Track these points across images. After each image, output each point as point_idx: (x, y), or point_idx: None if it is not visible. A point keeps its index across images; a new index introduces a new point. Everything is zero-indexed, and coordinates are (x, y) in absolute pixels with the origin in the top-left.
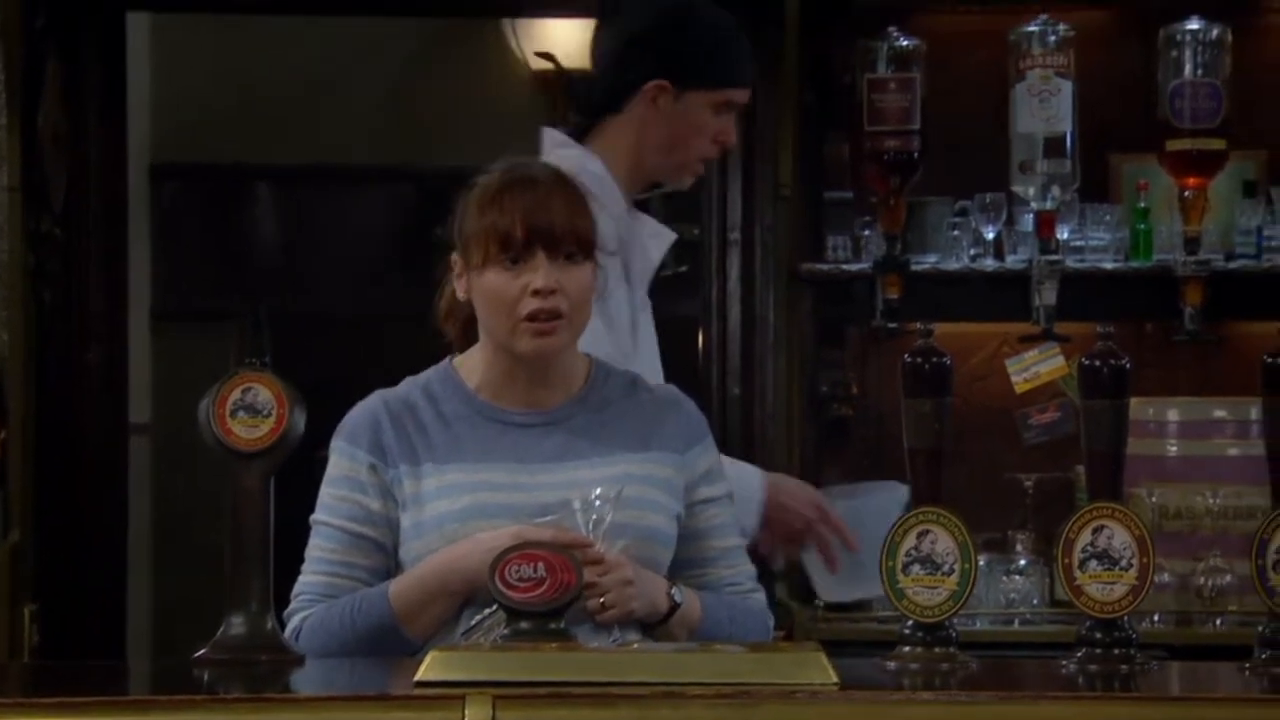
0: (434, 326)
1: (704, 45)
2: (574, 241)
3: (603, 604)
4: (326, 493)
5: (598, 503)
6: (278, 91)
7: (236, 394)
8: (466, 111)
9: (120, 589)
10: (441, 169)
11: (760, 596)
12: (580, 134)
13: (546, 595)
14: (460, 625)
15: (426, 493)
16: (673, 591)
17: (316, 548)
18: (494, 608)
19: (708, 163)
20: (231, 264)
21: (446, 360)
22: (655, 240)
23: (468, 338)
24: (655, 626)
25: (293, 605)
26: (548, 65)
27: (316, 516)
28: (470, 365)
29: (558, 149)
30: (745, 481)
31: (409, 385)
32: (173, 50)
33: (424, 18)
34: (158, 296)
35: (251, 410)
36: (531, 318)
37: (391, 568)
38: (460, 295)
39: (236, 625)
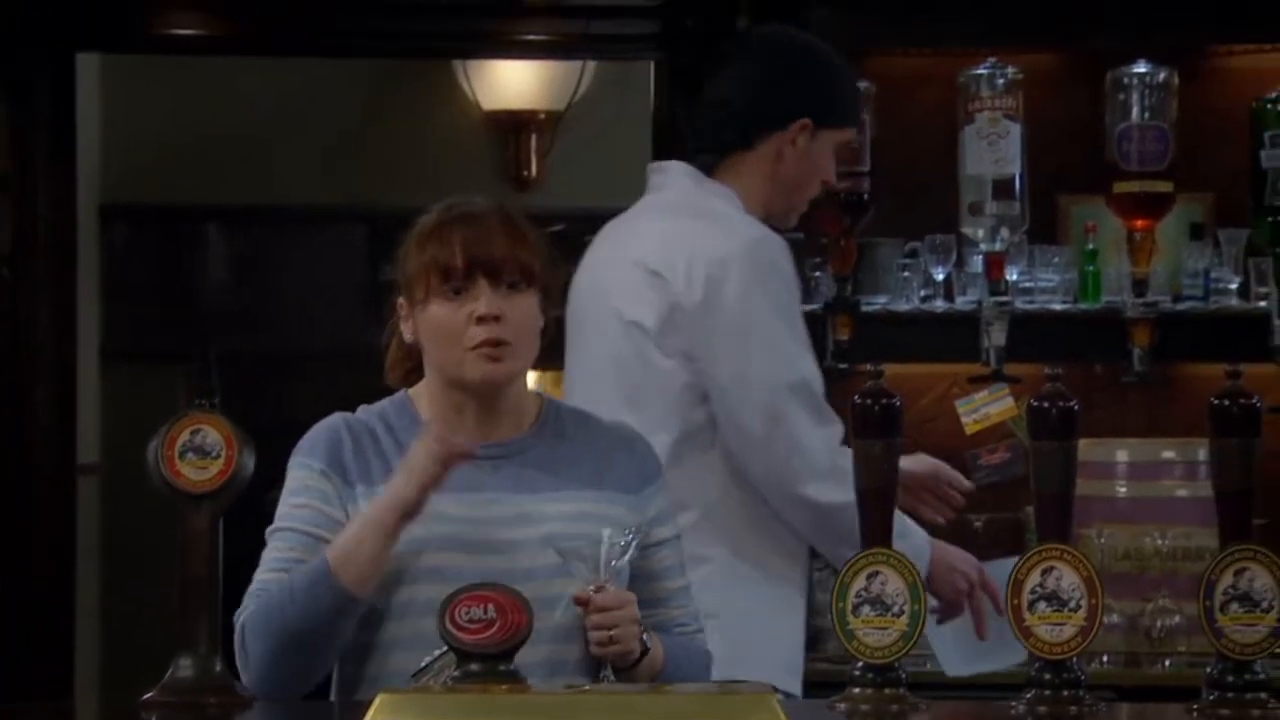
0: (384, 384)
1: (840, 84)
2: (517, 270)
3: (610, 638)
4: (285, 503)
5: (629, 534)
6: (228, 132)
7: (185, 435)
8: (418, 153)
9: (68, 630)
10: (393, 210)
11: (703, 638)
12: (705, 170)
13: (497, 637)
14: (410, 666)
15: None
16: (644, 636)
17: (273, 549)
18: (444, 650)
19: None
20: (181, 304)
21: (402, 391)
22: None
23: (410, 385)
24: (624, 671)
25: (243, 605)
26: (502, 106)
27: (273, 527)
28: (422, 399)
29: (699, 184)
30: (912, 541)
31: (365, 412)
32: (123, 91)
33: (376, 59)
34: (107, 337)
35: (200, 452)
36: (478, 346)
37: None
38: (408, 337)
39: (185, 667)
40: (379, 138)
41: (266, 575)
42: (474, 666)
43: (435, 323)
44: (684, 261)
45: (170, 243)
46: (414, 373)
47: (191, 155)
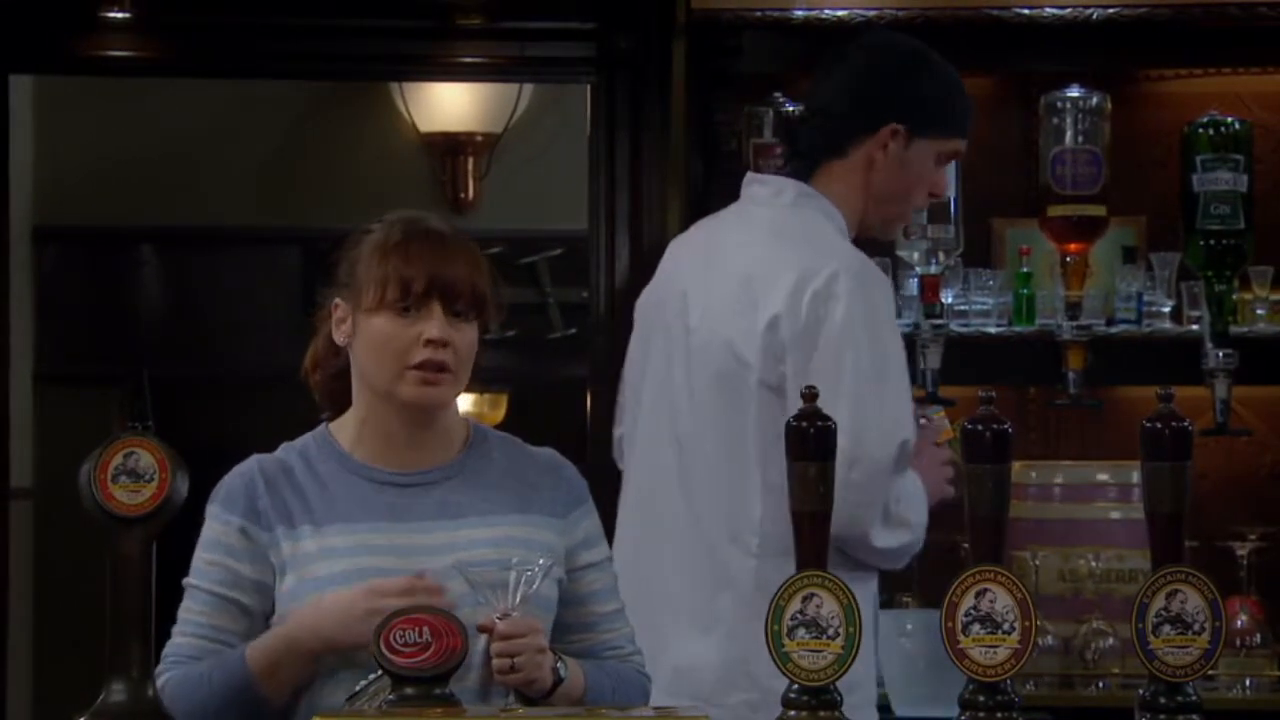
0: (300, 378)
1: (939, 93)
2: (470, 298)
3: (512, 666)
4: (199, 556)
5: (542, 562)
6: (162, 154)
7: (118, 459)
8: (354, 175)
9: (0, 655)
10: (327, 232)
11: (639, 659)
12: (800, 178)
13: (432, 660)
14: (343, 695)
15: (305, 555)
16: (558, 665)
17: (186, 609)
18: (379, 673)
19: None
20: (115, 327)
21: (323, 425)
22: None
23: (332, 394)
24: (538, 702)
25: (160, 666)
26: (439, 128)
27: (188, 580)
28: (345, 429)
29: (801, 201)
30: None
31: (285, 450)
32: (56, 112)
33: (310, 81)
34: (40, 360)
35: (133, 475)
36: (420, 366)
37: (260, 631)
38: (340, 340)
39: (117, 692)
40: (315, 160)
41: (180, 639)
42: (409, 690)
43: (380, 335)
44: (786, 282)
45: (103, 265)
46: (336, 380)
47: (125, 177)
